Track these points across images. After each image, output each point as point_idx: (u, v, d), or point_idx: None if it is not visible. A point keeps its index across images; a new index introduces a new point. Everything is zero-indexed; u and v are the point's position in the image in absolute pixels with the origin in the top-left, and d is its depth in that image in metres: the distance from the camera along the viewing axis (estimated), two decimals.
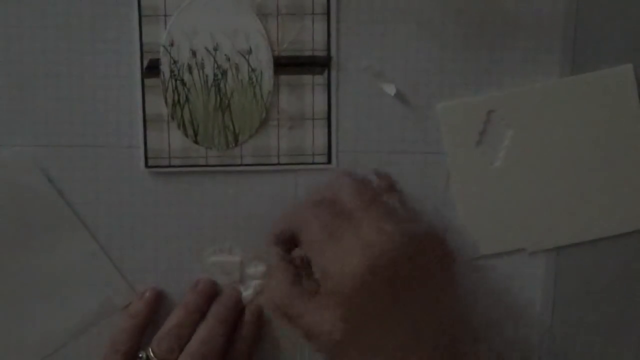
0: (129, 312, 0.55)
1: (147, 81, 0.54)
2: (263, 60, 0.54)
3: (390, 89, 0.55)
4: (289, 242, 0.52)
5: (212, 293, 0.56)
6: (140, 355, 0.53)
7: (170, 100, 0.54)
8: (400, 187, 0.55)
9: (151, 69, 0.54)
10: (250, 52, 0.54)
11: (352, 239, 0.47)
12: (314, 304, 0.48)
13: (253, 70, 0.54)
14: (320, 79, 0.55)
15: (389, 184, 0.54)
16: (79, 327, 0.56)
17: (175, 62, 0.54)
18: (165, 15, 0.53)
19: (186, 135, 0.55)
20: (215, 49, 0.54)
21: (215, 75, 0.54)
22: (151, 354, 0.53)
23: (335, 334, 0.47)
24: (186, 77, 0.54)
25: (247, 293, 0.57)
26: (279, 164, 0.55)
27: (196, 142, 0.55)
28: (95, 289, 0.56)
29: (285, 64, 0.54)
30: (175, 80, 0.54)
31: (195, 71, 0.54)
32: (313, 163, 0.56)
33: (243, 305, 0.56)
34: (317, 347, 0.48)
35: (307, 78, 0.55)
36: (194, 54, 0.54)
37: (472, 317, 0.53)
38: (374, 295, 0.47)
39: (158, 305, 0.56)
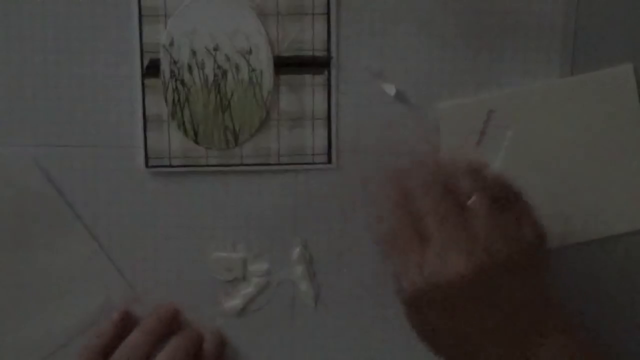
0: (95, 331, 0.55)
1: (147, 81, 0.54)
2: (263, 60, 0.54)
3: (390, 89, 0.55)
4: None
5: (171, 318, 0.56)
6: None
7: (170, 100, 0.54)
8: (517, 196, 0.49)
9: (151, 69, 0.54)
10: (250, 52, 0.54)
11: (422, 254, 0.46)
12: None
13: (253, 70, 0.54)
14: (320, 79, 0.55)
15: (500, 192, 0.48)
16: (79, 327, 0.56)
17: (175, 62, 0.54)
18: (166, 15, 0.53)
19: (186, 135, 0.55)
20: (215, 49, 0.54)
21: (215, 75, 0.54)
22: None
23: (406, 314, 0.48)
24: (186, 77, 0.54)
25: (248, 290, 0.57)
26: (279, 164, 0.55)
27: (196, 142, 0.55)
28: (95, 289, 0.56)
29: (285, 64, 0.54)
30: (175, 80, 0.54)
31: (195, 71, 0.54)
32: (313, 163, 0.56)
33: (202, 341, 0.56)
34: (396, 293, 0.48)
35: (307, 78, 0.55)
36: (194, 54, 0.54)
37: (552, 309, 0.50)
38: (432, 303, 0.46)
39: (126, 325, 0.55)
